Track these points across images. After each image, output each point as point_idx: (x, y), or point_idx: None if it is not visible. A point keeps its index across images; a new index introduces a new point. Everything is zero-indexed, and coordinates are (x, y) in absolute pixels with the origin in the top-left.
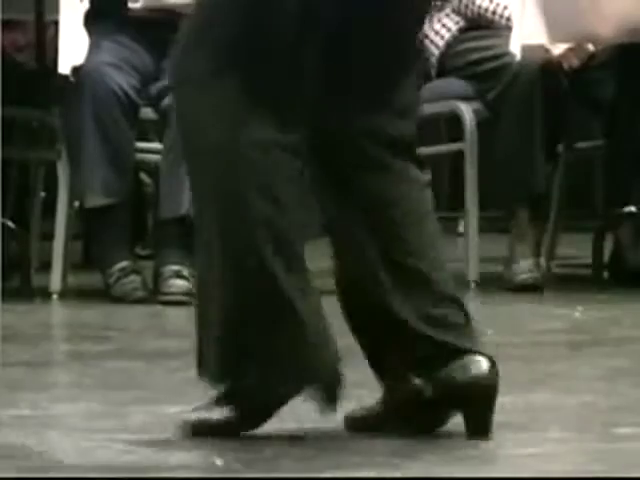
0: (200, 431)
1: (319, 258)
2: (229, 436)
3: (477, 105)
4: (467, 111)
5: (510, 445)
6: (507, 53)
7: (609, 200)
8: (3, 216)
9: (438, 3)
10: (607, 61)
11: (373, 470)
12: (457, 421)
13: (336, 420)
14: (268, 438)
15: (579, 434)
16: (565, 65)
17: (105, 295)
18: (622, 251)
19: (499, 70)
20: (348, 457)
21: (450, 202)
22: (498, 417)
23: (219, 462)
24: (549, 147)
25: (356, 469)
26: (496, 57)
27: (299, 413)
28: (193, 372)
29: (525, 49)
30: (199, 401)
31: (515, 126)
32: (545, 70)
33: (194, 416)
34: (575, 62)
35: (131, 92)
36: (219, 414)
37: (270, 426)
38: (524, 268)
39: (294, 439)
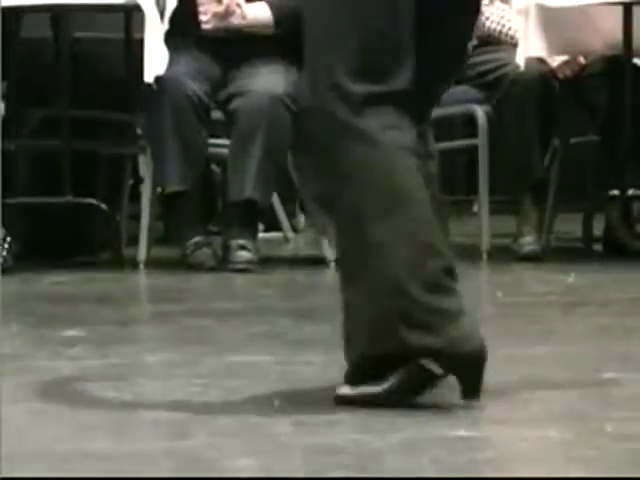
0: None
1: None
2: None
3: (487, 108)
4: (480, 113)
5: (516, 387)
6: (508, 64)
7: (597, 185)
8: (99, 201)
9: None
10: (599, 71)
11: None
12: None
13: None
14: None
15: (572, 379)
16: (560, 75)
17: (182, 264)
18: (611, 227)
19: (501, 78)
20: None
21: (466, 188)
22: (503, 367)
23: (277, 403)
24: (544, 140)
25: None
26: (500, 67)
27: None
28: (254, 328)
29: (528, 61)
30: (261, 352)
31: (515, 124)
32: (541, 78)
33: (354, 391)
34: (569, 72)
35: (204, 97)
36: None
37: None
38: (528, 242)
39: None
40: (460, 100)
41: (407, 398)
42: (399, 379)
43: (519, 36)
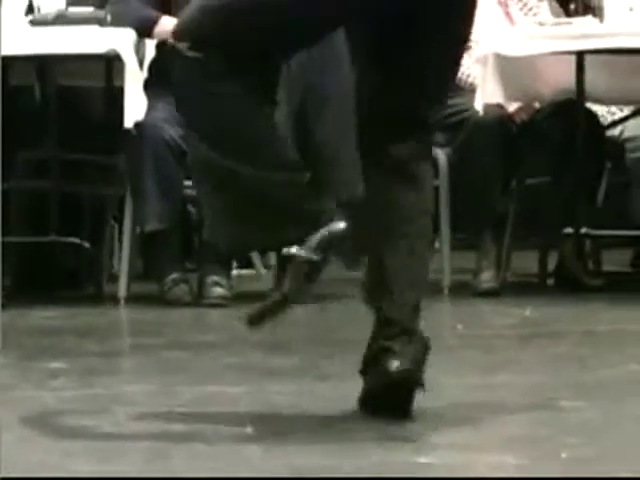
0: (261, 317)
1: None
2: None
3: (448, 150)
4: (441, 155)
5: (475, 414)
6: (469, 109)
7: (552, 224)
8: (82, 239)
9: None
10: (551, 113)
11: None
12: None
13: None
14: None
15: (529, 406)
16: (517, 119)
17: (160, 300)
18: (565, 263)
19: (463, 122)
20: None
21: None
22: (463, 394)
23: (249, 430)
24: (504, 181)
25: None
26: (460, 112)
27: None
28: (228, 360)
29: (486, 106)
30: (235, 382)
31: (477, 166)
32: (500, 123)
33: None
34: (524, 116)
35: (180, 141)
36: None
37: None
38: (486, 278)
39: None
40: None
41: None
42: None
43: (477, 83)
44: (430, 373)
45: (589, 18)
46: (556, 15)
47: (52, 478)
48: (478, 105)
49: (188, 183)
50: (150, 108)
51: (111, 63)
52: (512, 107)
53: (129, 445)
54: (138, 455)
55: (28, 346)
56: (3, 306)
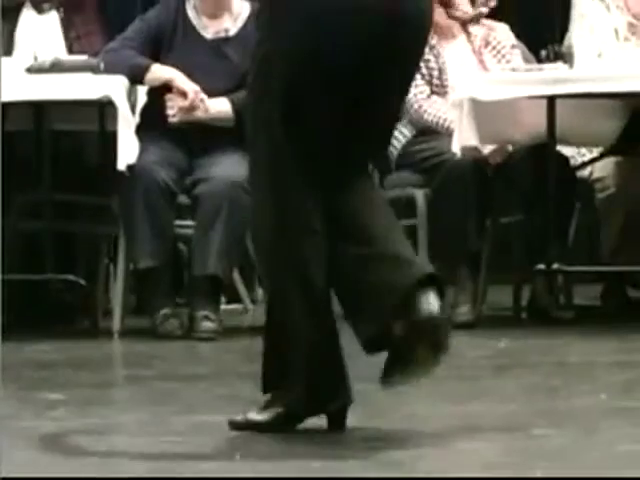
0: (245, 428)
1: None
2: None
3: (426, 191)
4: (419, 196)
5: (453, 440)
6: (446, 152)
7: (525, 260)
8: (78, 276)
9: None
10: (524, 157)
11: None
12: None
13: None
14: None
15: (504, 434)
16: (491, 161)
17: (153, 333)
18: (538, 298)
19: (440, 164)
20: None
21: None
22: (442, 422)
23: (238, 456)
24: (479, 219)
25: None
26: (438, 155)
27: None
28: (218, 390)
29: (462, 149)
30: (225, 411)
31: (453, 206)
32: (475, 165)
33: (242, 417)
34: (498, 159)
35: (171, 183)
36: (264, 416)
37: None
38: (463, 312)
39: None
40: (401, 184)
41: (288, 426)
42: (283, 409)
43: (454, 127)
44: (410, 402)
45: (560, 64)
46: (528, 62)
47: (52, 478)
48: (455, 148)
49: (179, 222)
50: (142, 151)
51: (104, 108)
52: (487, 150)
53: (125, 467)
54: (135, 469)
55: (27, 378)
56: (3, 340)
